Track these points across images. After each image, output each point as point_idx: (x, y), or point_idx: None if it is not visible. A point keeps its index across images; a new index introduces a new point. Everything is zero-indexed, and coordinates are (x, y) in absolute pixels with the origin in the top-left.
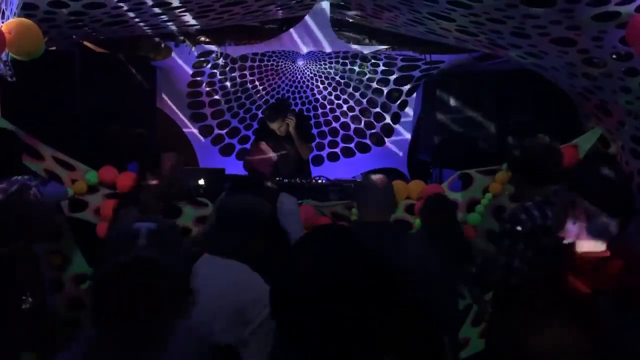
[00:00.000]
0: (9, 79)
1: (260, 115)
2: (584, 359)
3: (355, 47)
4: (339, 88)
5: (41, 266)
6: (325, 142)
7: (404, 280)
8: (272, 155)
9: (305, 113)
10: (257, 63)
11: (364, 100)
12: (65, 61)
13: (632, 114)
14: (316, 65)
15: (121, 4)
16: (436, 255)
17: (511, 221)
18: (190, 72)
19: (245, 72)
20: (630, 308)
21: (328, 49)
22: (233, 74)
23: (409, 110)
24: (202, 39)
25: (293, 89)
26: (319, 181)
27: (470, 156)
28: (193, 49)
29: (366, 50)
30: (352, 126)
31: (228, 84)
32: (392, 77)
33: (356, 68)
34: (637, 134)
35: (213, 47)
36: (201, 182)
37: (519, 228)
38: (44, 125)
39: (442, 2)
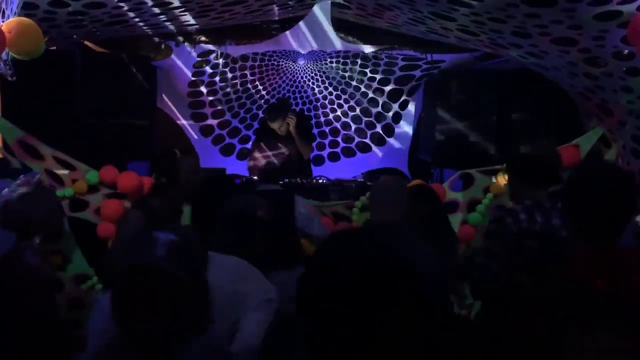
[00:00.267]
0: (9, 79)
1: (260, 115)
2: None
3: (356, 46)
4: (339, 87)
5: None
6: (326, 141)
7: (424, 281)
8: (277, 156)
9: (305, 113)
10: (257, 63)
11: (365, 100)
12: (66, 61)
13: (634, 113)
14: (317, 64)
15: (121, 4)
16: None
17: (495, 223)
18: (191, 71)
19: (245, 71)
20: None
21: (329, 49)
22: (233, 74)
23: (409, 110)
24: (203, 38)
25: (294, 88)
26: (320, 181)
27: (471, 156)
28: (193, 48)
29: (367, 49)
30: (353, 126)
31: (229, 83)
32: (393, 77)
33: (357, 67)
34: (639, 134)
35: (213, 47)
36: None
37: (501, 230)
38: (44, 125)
39: (443, 2)
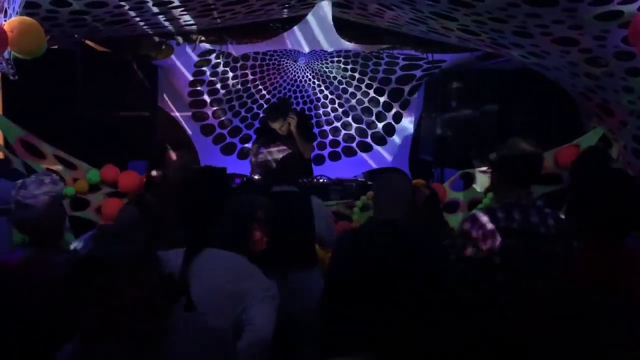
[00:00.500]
0: (11, 77)
1: (261, 114)
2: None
3: (357, 46)
4: (340, 87)
5: None
6: (327, 141)
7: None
8: (288, 156)
9: (306, 112)
10: (258, 62)
11: (366, 99)
12: (67, 60)
13: (635, 113)
14: (318, 64)
15: (123, 3)
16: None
17: (470, 222)
18: (192, 71)
19: (246, 71)
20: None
21: (330, 48)
22: (234, 73)
23: (410, 110)
24: (204, 38)
25: (295, 87)
26: (321, 180)
27: (471, 156)
28: (194, 48)
29: (368, 49)
30: (354, 125)
31: (229, 83)
32: (394, 77)
33: (358, 67)
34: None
35: (214, 46)
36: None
37: (470, 230)
38: (46, 124)
39: (444, 2)
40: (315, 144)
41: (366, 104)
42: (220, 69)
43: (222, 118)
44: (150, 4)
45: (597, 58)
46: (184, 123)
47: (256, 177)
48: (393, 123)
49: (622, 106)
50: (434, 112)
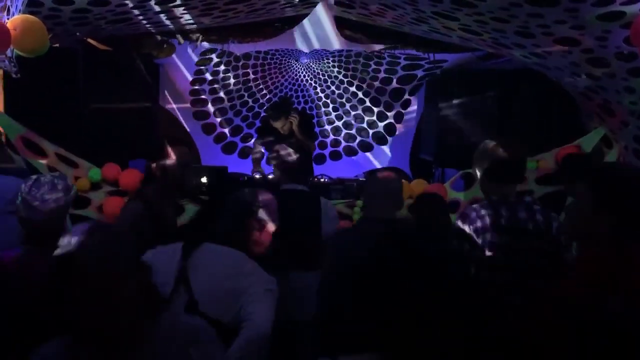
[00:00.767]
0: (14, 75)
1: (262, 113)
2: None
3: (358, 45)
4: (342, 86)
5: None
6: (328, 140)
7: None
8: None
9: (307, 111)
10: (260, 61)
11: (367, 99)
12: (69, 58)
13: (636, 114)
14: (319, 63)
15: (125, 1)
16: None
17: (460, 220)
18: (193, 70)
19: (248, 70)
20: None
21: (331, 48)
22: (236, 72)
23: (411, 109)
24: (206, 36)
25: (296, 87)
26: (322, 180)
27: (472, 156)
28: (197, 46)
29: (369, 49)
30: (355, 125)
31: (231, 81)
32: (395, 76)
33: (359, 67)
34: None
35: (216, 45)
36: (204, 180)
37: (465, 227)
38: (48, 122)
39: (447, 1)
40: (316, 143)
41: (367, 104)
42: (222, 67)
43: (223, 117)
44: (152, 2)
45: (599, 58)
46: (185, 122)
47: (257, 176)
48: (394, 123)
49: (623, 107)
50: (435, 112)
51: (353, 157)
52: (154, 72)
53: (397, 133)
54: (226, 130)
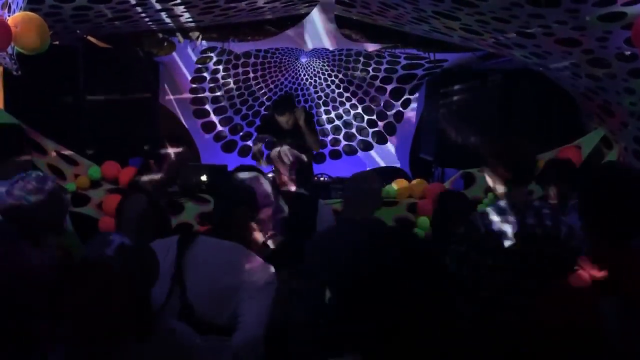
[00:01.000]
0: (14, 73)
1: (263, 112)
2: None
3: (358, 44)
4: (341, 86)
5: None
6: (328, 139)
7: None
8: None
9: (307, 110)
10: (260, 60)
11: (367, 99)
12: (69, 56)
13: (636, 115)
14: (319, 62)
15: None
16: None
17: (466, 227)
18: (193, 68)
19: (248, 68)
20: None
21: (331, 47)
22: (236, 71)
23: (411, 109)
24: (206, 35)
25: (296, 86)
26: (321, 179)
27: (472, 155)
28: (197, 44)
29: (370, 48)
30: (355, 124)
31: (231, 80)
32: (396, 76)
33: (359, 66)
34: None
35: (217, 44)
36: (203, 178)
37: (466, 232)
38: (48, 120)
39: (448, 1)
40: None
41: (367, 103)
42: (222, 66)
43: (223, 115)
44: (153, 0)
45: (599, 59)
46: (184, 120)
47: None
48: (394, 122)
49: (623, 107)
50: (435, 112)
51: (353, 157)
52: (154, 70)
53: (396, 132)
54: (226, 129)
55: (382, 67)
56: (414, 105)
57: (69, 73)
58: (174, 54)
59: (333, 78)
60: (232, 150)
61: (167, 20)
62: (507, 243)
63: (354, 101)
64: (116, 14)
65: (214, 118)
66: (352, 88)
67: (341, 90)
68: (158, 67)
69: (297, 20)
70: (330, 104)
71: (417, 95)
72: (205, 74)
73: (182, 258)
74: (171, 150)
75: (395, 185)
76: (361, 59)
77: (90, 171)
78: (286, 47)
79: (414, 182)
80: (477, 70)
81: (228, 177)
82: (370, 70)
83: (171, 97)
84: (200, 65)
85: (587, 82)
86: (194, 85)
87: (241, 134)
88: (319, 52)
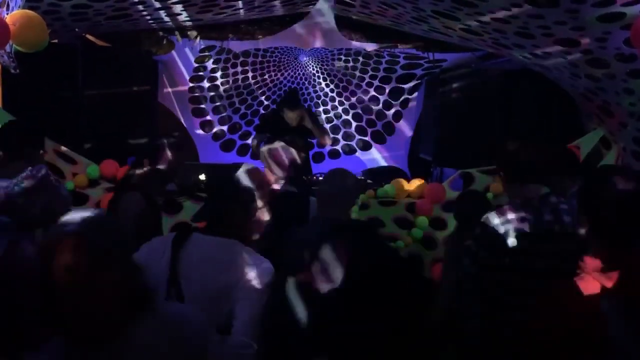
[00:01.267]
0: (13, 71)
1: (262, 111)
2: None
3: (358, 44)
4: (341, 85)
5: None
6: None
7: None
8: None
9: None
10: (259, 59)
11: (366, 98)
12: (68, 54)
13: (635, 115)
14: (318, 61)
15: None
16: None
17: (479, 227)
18: (192, 67)
19: (247, 67)
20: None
21: (331, 46)
22: (235, 70)
23: (410, 109)
24: (205, 33)
25: (295, 85)
26: (320, 179)
27: (471, 155)
28: (195, 43)
29: (369, 47)
30: (354, 124)
31: (230, 79)
32: (395, 75)
33: (359, 65)
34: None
35: (216, 42)
36: (202, 177)
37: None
38: (46, 118)
39: (447, 1)
40: (314, 141)
41: (366, 103)
42: (221, 65)
43: (222, 114)
44: None
45: (599, 60)
46: (183, 119)
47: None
48: (393, 122)
49: (622, 108)
50: (434, 112)
51: (351, 156)
52: (153, 68)
53: (395, 132)
54: (224, 128)
55: (381, 67)
56: (412, 105)
57: (68, 71)
58: (173, 52)
59: (332, 77)
60: (230, 149)
61: (166, 18)
62: (523, 242)
63: (353, 100)
64: (115, 12)
65: (212, 117)
66: (351, 87)
67: (340, 89)
68: (157, 66)
69: (296, 19)
70: (329, 104)
71: (416, 95)
72: (204, 73)
73: (176, 257)
74: (168, 149)
75: (394, 185)
76: (360, 58)
77: (88, 170)
78: (285, 47)
79: (413, 182)
80: (476, 70)
81: (224, 172)
82: (370, 70)
83: (169, 95)
84: (198, 65)
85: (587, 82)
86: (192, 84)
87: (240, 132)
88: (317, 52)
